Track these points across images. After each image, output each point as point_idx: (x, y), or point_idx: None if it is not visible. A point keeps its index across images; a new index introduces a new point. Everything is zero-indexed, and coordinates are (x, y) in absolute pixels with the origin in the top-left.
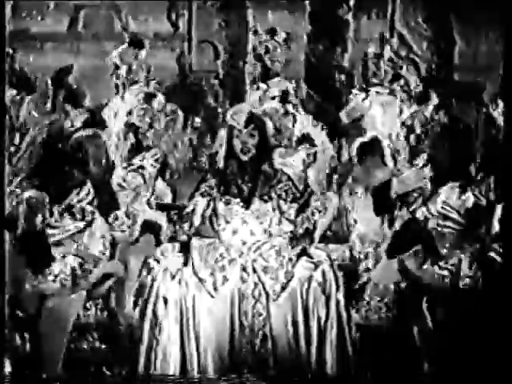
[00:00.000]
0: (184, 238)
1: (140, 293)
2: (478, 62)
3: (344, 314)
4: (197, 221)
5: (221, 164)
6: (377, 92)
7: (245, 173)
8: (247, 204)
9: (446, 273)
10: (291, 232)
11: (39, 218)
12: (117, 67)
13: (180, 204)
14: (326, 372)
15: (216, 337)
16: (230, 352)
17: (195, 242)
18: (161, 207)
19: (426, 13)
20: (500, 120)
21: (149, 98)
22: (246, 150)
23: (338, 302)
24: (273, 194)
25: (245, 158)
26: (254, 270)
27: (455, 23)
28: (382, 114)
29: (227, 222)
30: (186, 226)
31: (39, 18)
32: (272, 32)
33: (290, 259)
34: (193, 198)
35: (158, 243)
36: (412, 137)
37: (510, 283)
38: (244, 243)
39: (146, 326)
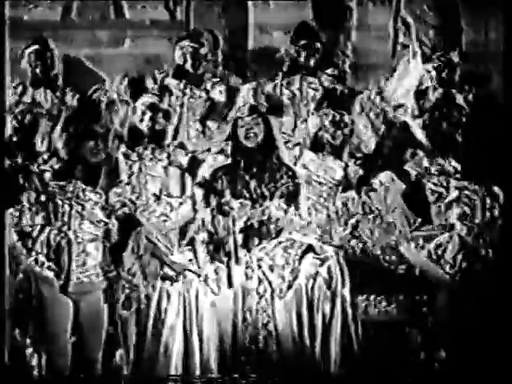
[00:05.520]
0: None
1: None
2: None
3: (349, 311)
4: None
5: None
6: None
7: (252, 166)
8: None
9: None
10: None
11: None
12: None
13: None
14: (330, 368)
15: (219, 332)
16: (232, 348)
17: (201, 236)
18: None
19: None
20: None
21: None
22: (250, 134)
23: (343, 298)
24: (278, 192)
25: (250, 143)
26: (260, 267)
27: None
28: None
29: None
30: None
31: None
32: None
33: (296, 255)
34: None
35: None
36: None
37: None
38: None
39: (150, 319)
